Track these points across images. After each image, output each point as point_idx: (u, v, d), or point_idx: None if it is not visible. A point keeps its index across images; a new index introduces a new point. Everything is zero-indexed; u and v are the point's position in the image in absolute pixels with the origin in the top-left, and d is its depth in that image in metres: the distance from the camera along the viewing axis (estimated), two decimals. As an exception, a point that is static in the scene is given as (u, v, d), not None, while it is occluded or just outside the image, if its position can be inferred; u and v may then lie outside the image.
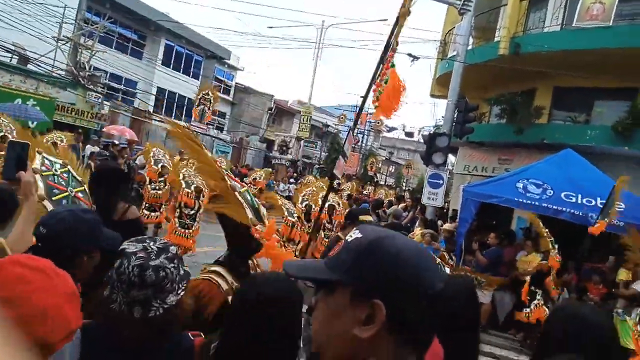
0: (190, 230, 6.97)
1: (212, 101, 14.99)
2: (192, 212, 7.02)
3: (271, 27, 48.84)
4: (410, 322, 0.80)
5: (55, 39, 18.87)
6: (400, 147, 56.86)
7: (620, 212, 7.02)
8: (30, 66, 18.16)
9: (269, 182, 19.90)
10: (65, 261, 1.43)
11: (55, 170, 2.30)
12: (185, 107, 26.74)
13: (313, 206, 7.89)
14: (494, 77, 12.43)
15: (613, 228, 6.67)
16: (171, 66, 26.18)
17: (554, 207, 7.17)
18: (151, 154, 8.72)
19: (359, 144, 34.54)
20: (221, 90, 30.82)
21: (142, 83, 24.72)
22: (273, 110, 33.03)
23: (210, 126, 28.85)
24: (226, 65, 30.81)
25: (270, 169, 24.68)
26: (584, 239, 7.54)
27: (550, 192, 7.49)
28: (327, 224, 7.68)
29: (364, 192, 16.86)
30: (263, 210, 2.54)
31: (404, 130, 36.95)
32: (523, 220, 10.73)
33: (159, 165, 8.47)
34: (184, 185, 7.04)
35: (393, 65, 2.40)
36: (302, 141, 31.36)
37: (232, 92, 32.02)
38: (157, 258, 1.51)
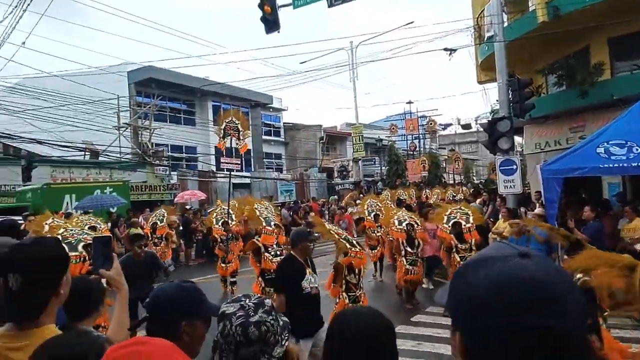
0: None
1: (240, 129, 10.99)
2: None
3: (303, 62, 49.62)
4: None
5: (116, 127, 20.57)
6: (461, 142, 55.04)
7: None
8: (101, 157, 19.83)
9: (339, 209, 19.94)
10: (169, 331, 1.50)
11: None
12: (245, 158, 27.73)
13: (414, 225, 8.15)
14: (539, 47, 11.82)
15: None
16: (222, 124, 27.47)
17: (646, 163, 6.55)
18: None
19: (417, 149, 33.85)
20: (272, 134, 31.87)
21: (201, 146, 26.13)
22: (325, 139, 33.47)
23: (269, 170, 29.78)
24: (271, 110, 31.90)
25: (335, 196, 24.83)
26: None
27: (637, 149, 6.85)
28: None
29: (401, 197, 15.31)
30: None
31: (459, 123, 35.69)
32: (615, 186, 9.91)
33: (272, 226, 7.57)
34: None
35: None
36: (359, 161, 31.28)
37: (282, 133, 32.97)
38: (255, 314, 1.55)
